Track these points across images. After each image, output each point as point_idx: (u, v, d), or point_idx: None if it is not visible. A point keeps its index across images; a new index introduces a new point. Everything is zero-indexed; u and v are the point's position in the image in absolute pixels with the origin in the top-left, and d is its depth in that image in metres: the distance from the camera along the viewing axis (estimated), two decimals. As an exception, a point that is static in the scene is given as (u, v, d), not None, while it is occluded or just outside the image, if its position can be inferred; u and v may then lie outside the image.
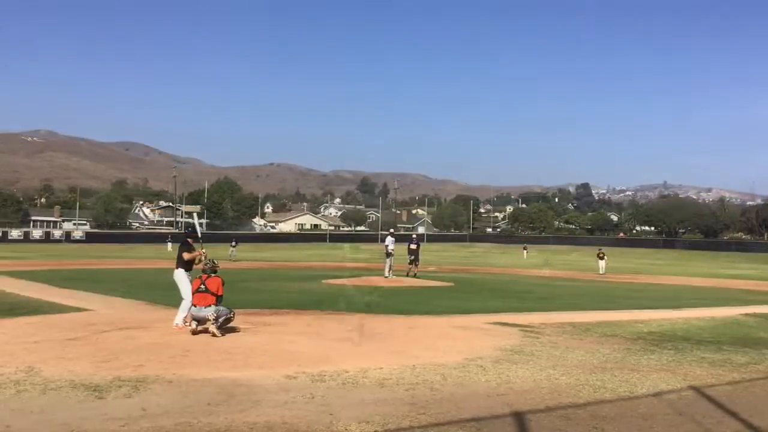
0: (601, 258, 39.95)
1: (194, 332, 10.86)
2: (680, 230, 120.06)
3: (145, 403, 6.58)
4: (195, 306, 11.04)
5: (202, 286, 11.15)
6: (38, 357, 8.77)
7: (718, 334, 12.81)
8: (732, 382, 8.44)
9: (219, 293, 11.17)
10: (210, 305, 10.92)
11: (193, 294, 11.27)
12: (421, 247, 30.05)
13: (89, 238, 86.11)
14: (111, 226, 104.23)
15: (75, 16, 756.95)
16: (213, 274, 11.39)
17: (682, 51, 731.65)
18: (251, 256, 52.33)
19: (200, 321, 10.92)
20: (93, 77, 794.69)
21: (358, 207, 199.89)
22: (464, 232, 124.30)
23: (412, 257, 28.57)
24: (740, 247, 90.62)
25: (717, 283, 31.97)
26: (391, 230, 33.02)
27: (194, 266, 12.14)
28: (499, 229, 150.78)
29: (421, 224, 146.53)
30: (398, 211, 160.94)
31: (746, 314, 16.34)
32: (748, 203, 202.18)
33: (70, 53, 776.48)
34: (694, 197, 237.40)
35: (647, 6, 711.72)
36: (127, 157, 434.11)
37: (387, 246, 27.21)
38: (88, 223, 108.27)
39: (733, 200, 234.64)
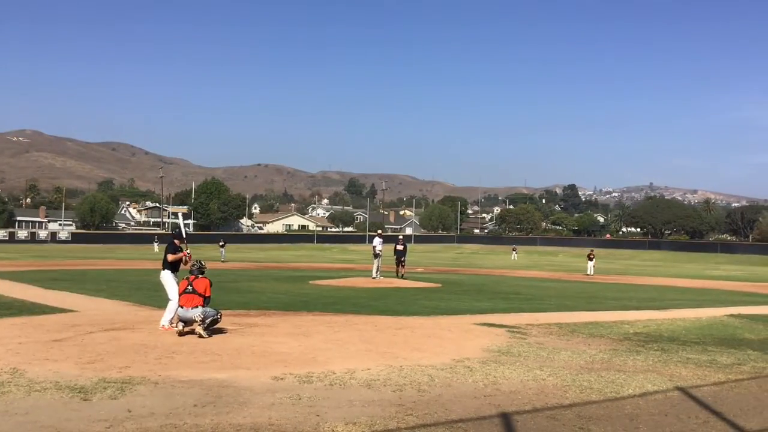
0: (590, 259, 40.07)
1: (181, 333, 10.81)
2: (666, 231, 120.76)
3: (130, 405, 6.53)
4: (182, 307, 10.98)
5: (189, 287, 11.10)
6: (23, 358, 8.70)
7: (703, 335, 12.90)
8: (717, 382, 8.49)
9: (207, 294, 11.12)
10: (197, 306, 10.86)
11: (180, 295, 11.21)
12: (407, 248, 30.08)
13: (75, 238, 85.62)
14: (97, 226, 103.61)
15: (61, 16, 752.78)
16: (200, 275, 11.33)
17: (669, 54, 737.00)
18: (239, 256, 52.23)
19: (187, 322, 10.87)
20: (79, 77, 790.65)
21: (345, 208, 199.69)
22: (452, 233, 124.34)
23: (399, 258, 28.60)
24: (725, 248, 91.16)
25: (702, 284, 32.22)
26: (379, 231, 33.00)
27: (181, 267, 12.09)
28: (486, 230, 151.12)
29: (409, 225, 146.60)
30: (386, 212, 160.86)
31: (731, 315, 16.46)
32: (733, 205, 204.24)
33: (56, 53, 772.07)
34: (680, 199, 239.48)
35: (633, 9, 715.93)
36: (114, 157, 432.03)
37: (375, 247, 27.21)
38: (73, 224, 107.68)
39: (719, 202, 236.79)
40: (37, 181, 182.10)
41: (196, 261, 11.68)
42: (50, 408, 6.40)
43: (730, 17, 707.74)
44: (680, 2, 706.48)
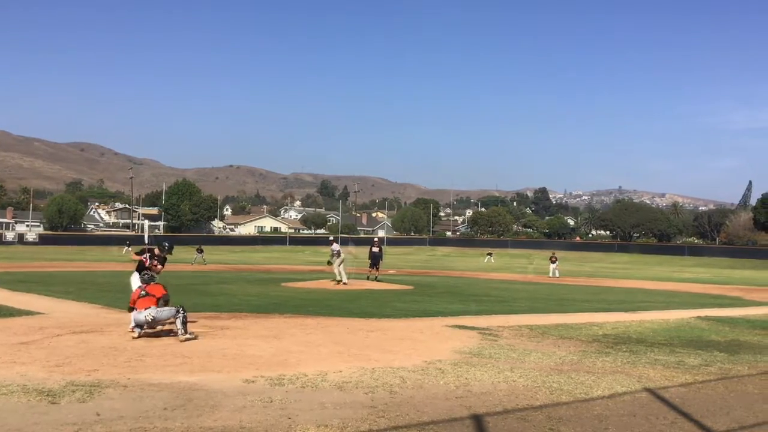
0: (553, 261, 40.12)
1: (139, 335, 10.73)
2: (634, 234, 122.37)
3: (99, 408, 6.46)
4: (136, 310, 10.92)
5: (143, 293, 11.07)
6: (-12, 362, 8.55)
7: (671, 337, 13.07)
8: (685, 383, 8.62)
9: (163, 293, 11.05)
10: (149, 307, 10.76)
11: (136, 300, 11.14)
12: (383, 250, 30.08)
13: (43, 240, 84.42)
14: (65, 228, 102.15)
15: (28, 15, 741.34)
16: (152, 283, 11.32)
17: (639, 59, 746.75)
18: (210, 258, 51.81)
19: (140, 325, 10.80)
20: (47, 76, 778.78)
21: (318, 210, 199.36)
22: (424, 236, 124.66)
23: (375, 260, 28.54)
24: (693, 251, 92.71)
25: (670, 287, 32.65)
26: (332, 237, 32.80)
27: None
28: (458, 233, 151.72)
29: (382, 227, 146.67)
30: (358, 215, 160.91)
31: (698, 317, 16.70)
32: (700, 208, 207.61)
33: (22, 51, 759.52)
34: (649, 202, 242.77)
35: (603, 15, 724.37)
36: (83, 157, 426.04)
37: (335, 251, 25.95)
38: (41, 225, 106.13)
39: (686, 205, 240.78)
40: (4, 182, 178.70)
41: (146, 272, 11.73)
42: (17, 411, 6.30)
43: (701, 24, 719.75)
44: (651, 8, 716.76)
